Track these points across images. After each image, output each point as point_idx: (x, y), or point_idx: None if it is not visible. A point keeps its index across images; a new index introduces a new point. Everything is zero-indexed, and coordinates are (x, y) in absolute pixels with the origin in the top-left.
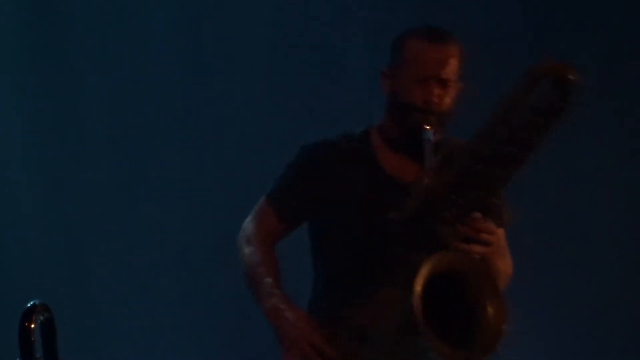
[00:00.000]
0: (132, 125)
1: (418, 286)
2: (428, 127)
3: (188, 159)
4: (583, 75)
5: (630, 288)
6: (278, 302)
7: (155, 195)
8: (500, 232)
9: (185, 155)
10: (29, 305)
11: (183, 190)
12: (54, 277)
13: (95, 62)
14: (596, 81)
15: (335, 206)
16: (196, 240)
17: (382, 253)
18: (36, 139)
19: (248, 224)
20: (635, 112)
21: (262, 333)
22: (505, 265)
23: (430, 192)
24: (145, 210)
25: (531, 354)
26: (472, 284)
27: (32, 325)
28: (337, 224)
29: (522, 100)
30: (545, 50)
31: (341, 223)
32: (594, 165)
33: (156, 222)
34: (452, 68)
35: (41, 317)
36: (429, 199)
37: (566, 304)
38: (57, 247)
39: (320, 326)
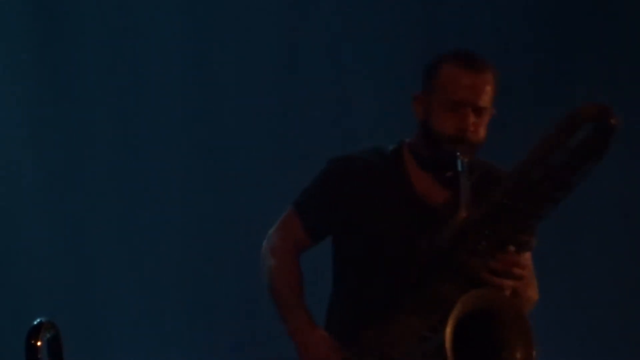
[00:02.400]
0: (136, 126)
1: (449, 327)
2: (462, 157)
3: (195, 161)
4: (622, 118)
5: (630, 288)
6: (302, 323)
7: (163, 202)
8: (528, 256)
9: (192, 158)
10: (35, 323)
11: (193, 194)
12: (59, 291)
13: (101, 64)
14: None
15: (364, 223)
16: (207, 249)
17: (408, 278)
18: (40, 141)
19: (273, 234)
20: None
21: (267, 334)
22: (532, 292)
23: (464, 225)
24: (153, 219)
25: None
26: (501, 323)
27: (39, 343)
28: (365, 242)
29: (562, 143)
30: (547, 55)
31: (369, 241)
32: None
33: (166, 232)
34: (487, 96)
35: (47, 335)
36: (461, 232)
37: (566, 304)
38: (62, 259)
39: (342, 348)
